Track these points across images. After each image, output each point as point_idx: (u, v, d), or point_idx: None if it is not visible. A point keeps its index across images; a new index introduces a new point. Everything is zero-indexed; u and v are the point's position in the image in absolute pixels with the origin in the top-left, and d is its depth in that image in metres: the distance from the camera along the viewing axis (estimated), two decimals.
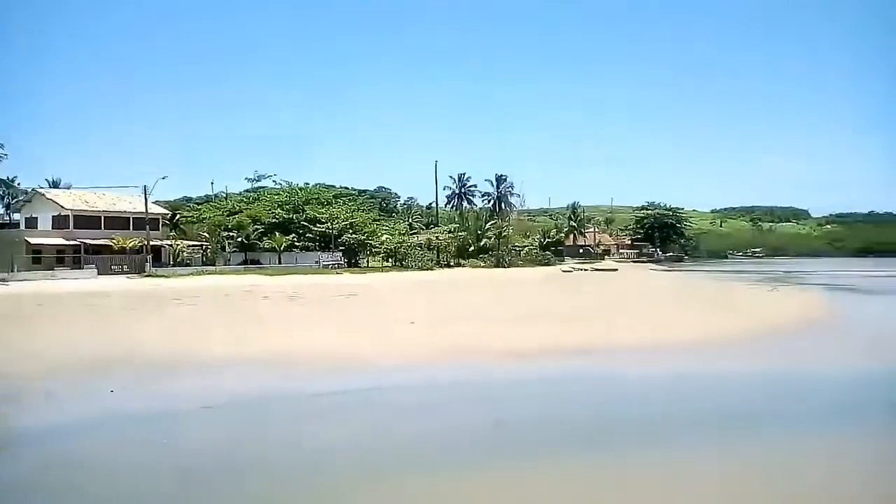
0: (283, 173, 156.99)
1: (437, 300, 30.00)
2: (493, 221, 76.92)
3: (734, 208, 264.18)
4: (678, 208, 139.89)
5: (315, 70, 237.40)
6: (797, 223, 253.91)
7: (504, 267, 65.32)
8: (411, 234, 70.21)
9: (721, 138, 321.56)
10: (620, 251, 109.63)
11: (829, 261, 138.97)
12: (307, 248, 63.20)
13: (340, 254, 62.06)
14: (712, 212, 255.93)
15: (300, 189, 72.74)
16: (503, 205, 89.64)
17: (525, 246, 77.93)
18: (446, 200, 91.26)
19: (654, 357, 14.87)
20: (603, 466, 7.49)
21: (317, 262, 58.32)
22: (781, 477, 7.08)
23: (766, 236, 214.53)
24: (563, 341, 16.17)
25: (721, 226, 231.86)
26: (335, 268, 56.29)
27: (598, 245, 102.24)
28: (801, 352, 15.69)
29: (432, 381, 12.23)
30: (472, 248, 70.11)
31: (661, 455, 7.83)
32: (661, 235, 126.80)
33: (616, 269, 71.37)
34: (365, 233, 63.16)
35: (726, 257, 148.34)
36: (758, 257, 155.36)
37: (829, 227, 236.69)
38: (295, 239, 63.20)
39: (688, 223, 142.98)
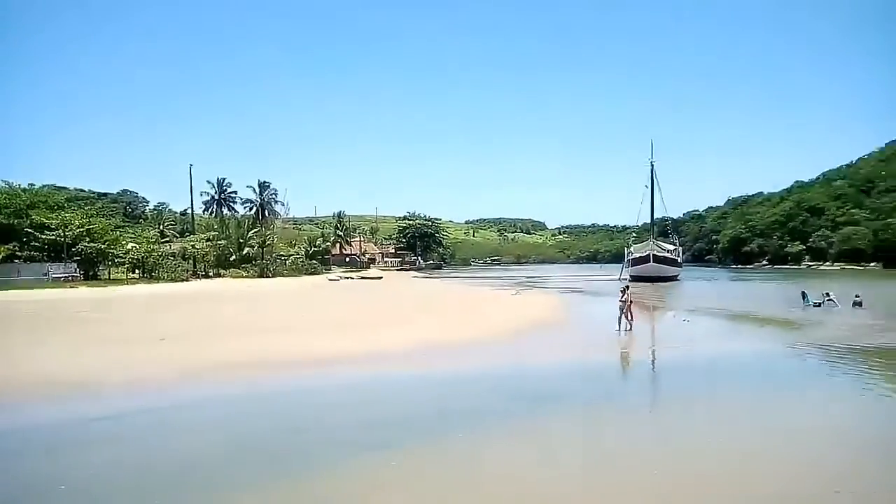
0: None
1: (191, 313, 27.62)
2: (256, 229, 74.64)
3: (485, 219, 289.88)
4: (437, 219, 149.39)
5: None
6: (535, 233, 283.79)
7: (269, 276, 64.06)
8: (163, 243, 64.44)
9: (474, 155, 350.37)
10: (385, 260, 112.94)
11: (562, 266, 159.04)
12: (32, 259, 54.12)
13: (76, 265, 54.12)
14: (466, 223, 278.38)
15: (23, 191, 62.20)
16: (267, 212, 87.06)
17: (291, 255, 76.71)
18: (204, 207, 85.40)
19: (410, 360, 15.33)
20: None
21: (45, 275, 50.15)
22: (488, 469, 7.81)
23: (510, 245, 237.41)
24: (320, 350, 16.00)
25: (474, 235, 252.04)
26: (68, 281, 48.91)
27: (363, 254, 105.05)
28: (529, 351, 17.28)
29: (178, 401, 11.17)
30: (233, 257, 67.10)
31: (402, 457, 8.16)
32: (423, 244, 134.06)
33: (381, 278, 74.13)
34: (105, 241, 55.86)
35: (469, 264, 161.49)
36: (496, 264, 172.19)
37: (561, 236, 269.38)
38: (17, 248, 53.59)
39: (445, 233, 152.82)
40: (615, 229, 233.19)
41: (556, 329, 22.80)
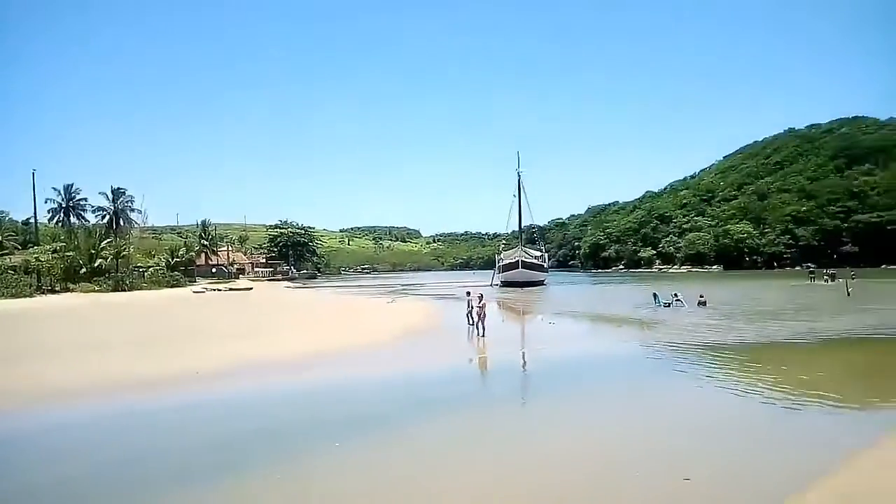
0: None
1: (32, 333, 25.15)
2: (109, 240, 68.55)
3: (360, 228, 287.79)
4: (310, 227, 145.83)
5: None
6: (411, 241, 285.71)
7: (125, 290, 59.88)
8: (1, 255, 57.54)
9: (346, 162, 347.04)
10: (256, 270, 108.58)
11: (437, 273, 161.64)
12: None
13: None
14: (341, 231, 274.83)
15: None
16: (122, 221, 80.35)
17: (150, 266, 71.49)
18: (50, 216, 77.49)
19: (289, 371, 15.02)
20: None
21: None
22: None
23: (386, 253, 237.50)
24: (171, 366, 15.24)
25: (349, 244, 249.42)
26: None
27: (231, 264, 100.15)
28: (405, 357, 17.51)
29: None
30: (84, 269, 61.16)
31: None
32: (296, 253, 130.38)
33: (251, 288, 71.24)
34: None
35: (340, 273, 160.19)
36: (366, 273, 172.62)
37: (435, 244, 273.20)
38: None
39: (319, 241, 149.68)
40: (487, 236, 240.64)
41: (431, 335, 23.14)
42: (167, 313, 36.19)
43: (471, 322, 20.87)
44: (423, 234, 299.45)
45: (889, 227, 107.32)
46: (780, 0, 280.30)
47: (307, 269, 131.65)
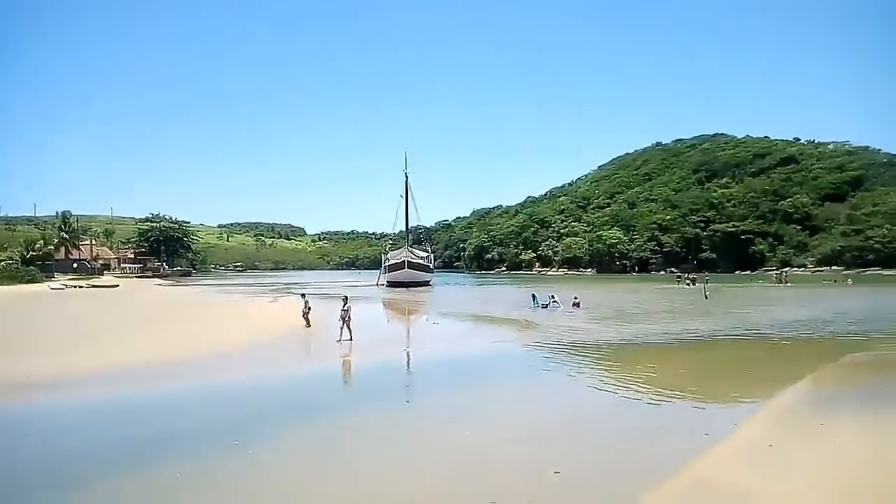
0: None
1: None
2: None
3: (240, 224, 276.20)
4: (185, 222, 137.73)
5: None
6: (295, 239, 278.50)
7: None
8: None
9: (226, 156, 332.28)
10: (123, 266, 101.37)
11: (322, 272, 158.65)
12: None
13: None
14: (220, 227, 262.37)
15: None
16: None
17: (1, 260, 64.09)
18: None
19: (157, 376, 14.05)
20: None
21: None
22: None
23: (268, 251, 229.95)
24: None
25: (228, 240, 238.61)
26: None
27: (95, 259, 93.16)
28: (284, 358, 17.00)
29: None
30: None
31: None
32: (168, 249, 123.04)
33: (117, 286, 65.98)
34: None
35: (211, 271, 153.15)
36: (239, 270, 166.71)
37: (321, 242, 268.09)
38: None
39: (195, 237, 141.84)
40: (374, 236, 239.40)
41: (313, 334, 22.55)
42: (13, 312, 32.82)
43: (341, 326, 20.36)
44: (309, 232, 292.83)
45: (743, 236, 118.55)
46: (654, 21, 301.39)
47: (181, 266, 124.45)
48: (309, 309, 24.65)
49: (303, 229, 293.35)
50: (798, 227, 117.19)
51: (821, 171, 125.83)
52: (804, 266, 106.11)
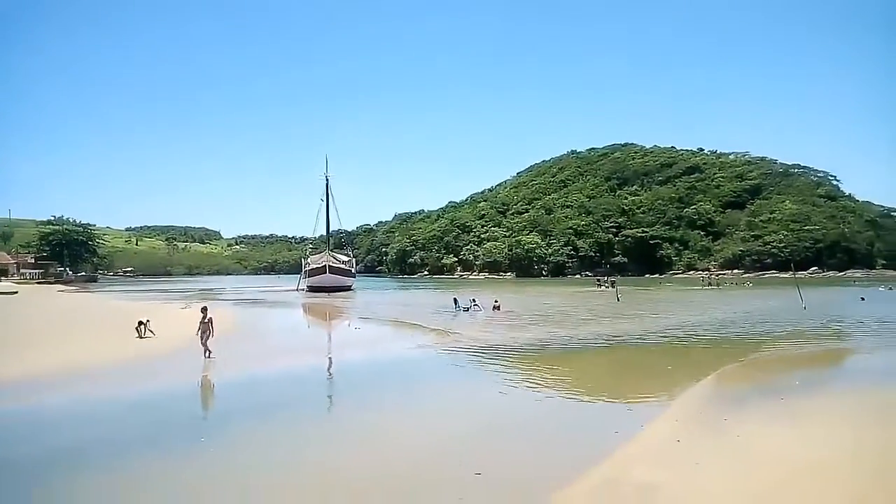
0: None
1: None
2: None
3: (150, 227, 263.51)
4: (90, 224, 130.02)
5: None
6: (210, 243, 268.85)
7: None
8: None
9: (141, 154, 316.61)
10: (22, 271, 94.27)
11: (239, 278, 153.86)
12: None
13: None
14: (128, 230, 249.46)
15: None
16: None
17: None
18: None
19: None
20: None
21: None
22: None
23: (181, 255, 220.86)
24: None
25: (137, 244, 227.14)
26: None
27: None
28: (196, 368, 16.37)
29: None
30: None
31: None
32: (71, 253, 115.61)
33: (16, 292, 61.10)
34: None
35: (118, 276, 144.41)
36: (130, 276, 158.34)
37: (237, 247, 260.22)
38: None
39: (101, 241, 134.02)
40: (294, 240, 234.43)
41: (236, 340, 21.85)
42: None
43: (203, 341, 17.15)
44: (225, 236, 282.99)
45: (651, 241, 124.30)
46: (569, 33, 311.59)
47: (85, 272, 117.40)
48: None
49: (218, 233, 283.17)
50: (702, 233, 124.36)
51: (722, 180, 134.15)
52: (707, 270, 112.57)
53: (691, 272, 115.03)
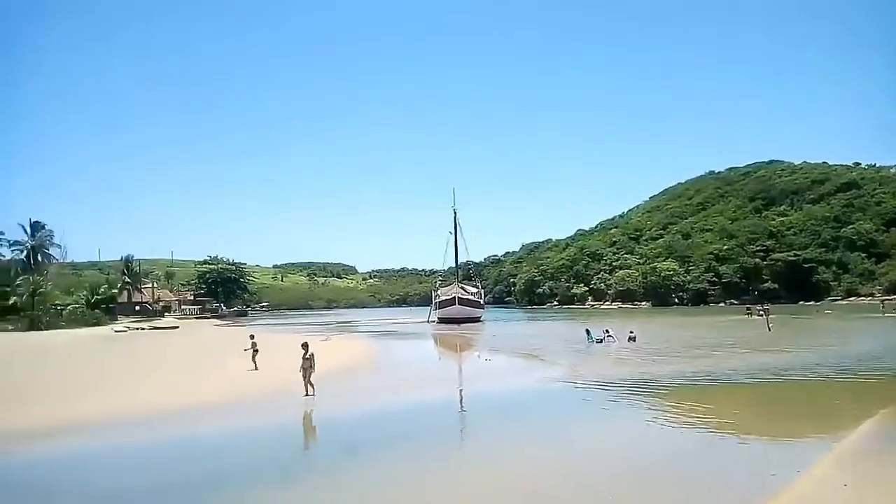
0: None
1: None
2: (25, 276, 64.14)
3: (293, 264, 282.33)
4: (241, 263, 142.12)
5: None
6: (346, 277, 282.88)
7: (41, 329, 55.43)
8: None
9: (277, 196, 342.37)
10: (183, 307, 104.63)
11: (373, 310, 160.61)
12: None
13: None
14: (274, 267, 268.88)
15: None
16: (40, 256, 75.73)
17: (69, 304, 67.28)
18: None
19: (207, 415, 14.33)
20: None
21: None
22: None
23: (321, 290, 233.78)
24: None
25: (282, 280, 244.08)
26: None
27: (157, 301, 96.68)
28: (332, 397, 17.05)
29: None
30: None
31: None
32: (225, 290, 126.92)
33: (177, 327, 68.31)
34: None
35: (266, 310, 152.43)
36: (275, 310, 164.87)
37: (371, 280, 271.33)
38: None
39: (251, 277, 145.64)
40: (423, 273, 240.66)
41: (370, 371, 22.81)
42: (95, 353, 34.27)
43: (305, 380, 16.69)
44: (360, 271, 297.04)
45: (805, 265, 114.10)
46: (698, 50, 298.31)
47: (237, 307, 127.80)
48: (256, 351, 22.53)
49: (354, 268, 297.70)
50: (863, 255, 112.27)
51: (884, 196, 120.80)
52: (872, 295, 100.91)
53: (852, 298, 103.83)
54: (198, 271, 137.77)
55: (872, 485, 8.31)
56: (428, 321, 69.80)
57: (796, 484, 8.39)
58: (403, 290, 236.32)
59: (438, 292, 75.08)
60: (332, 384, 18.24)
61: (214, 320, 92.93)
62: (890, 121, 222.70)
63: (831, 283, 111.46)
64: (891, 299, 73.42)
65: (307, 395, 16.23)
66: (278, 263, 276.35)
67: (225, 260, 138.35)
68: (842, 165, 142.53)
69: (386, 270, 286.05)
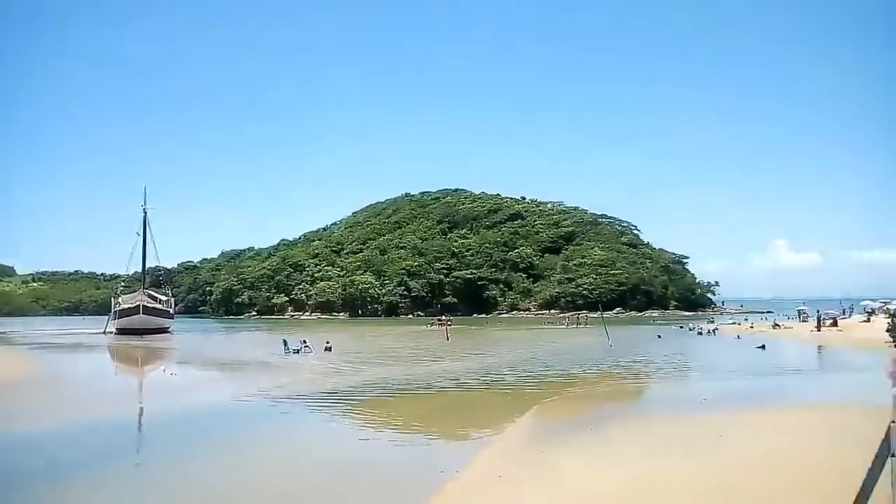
0: None
1: None
2: None
3: None
4: None
5: None
6: (2, 280, 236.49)
7: None
8: None
9: None
10: None
11: (37, 319, 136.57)
12: None
13: None
14: None
15: None
16: None
17: None
18: None
19: None
20: None
21: None
22: None
23: None
24: None
25: None
26: None
27: None
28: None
29: None
30: None
31: None
32: None
33: None
34: None
35: None
36: None
37: (35, 284, 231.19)
38: None
39: None
40: (103, 277, 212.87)
41: (23, 390, 19.09)
42: None
43: None
44: (19, 272, 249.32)
45: (479, 283, 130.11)
46: (405, 83, 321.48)
47: None
48: None
49: (12, 268, 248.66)
50: (524, 275, 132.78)
51: (541, 227, 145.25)
52: (528, 310, 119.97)
53: (514, 311, 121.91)
54: None
55: (521, 472, 9.54)
56: (105, 332, 61.63)
57: (458, 479, 9.27)
58: (76, 295, 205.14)
59: (120, 300, 66.87)
60: None
61: None
62: (551, 161, 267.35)
63: (499, 298, 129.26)
64: (573, 315, 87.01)
65: None
66: None
67: None
68: (511, 198, 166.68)
69: (54, 273, 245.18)
